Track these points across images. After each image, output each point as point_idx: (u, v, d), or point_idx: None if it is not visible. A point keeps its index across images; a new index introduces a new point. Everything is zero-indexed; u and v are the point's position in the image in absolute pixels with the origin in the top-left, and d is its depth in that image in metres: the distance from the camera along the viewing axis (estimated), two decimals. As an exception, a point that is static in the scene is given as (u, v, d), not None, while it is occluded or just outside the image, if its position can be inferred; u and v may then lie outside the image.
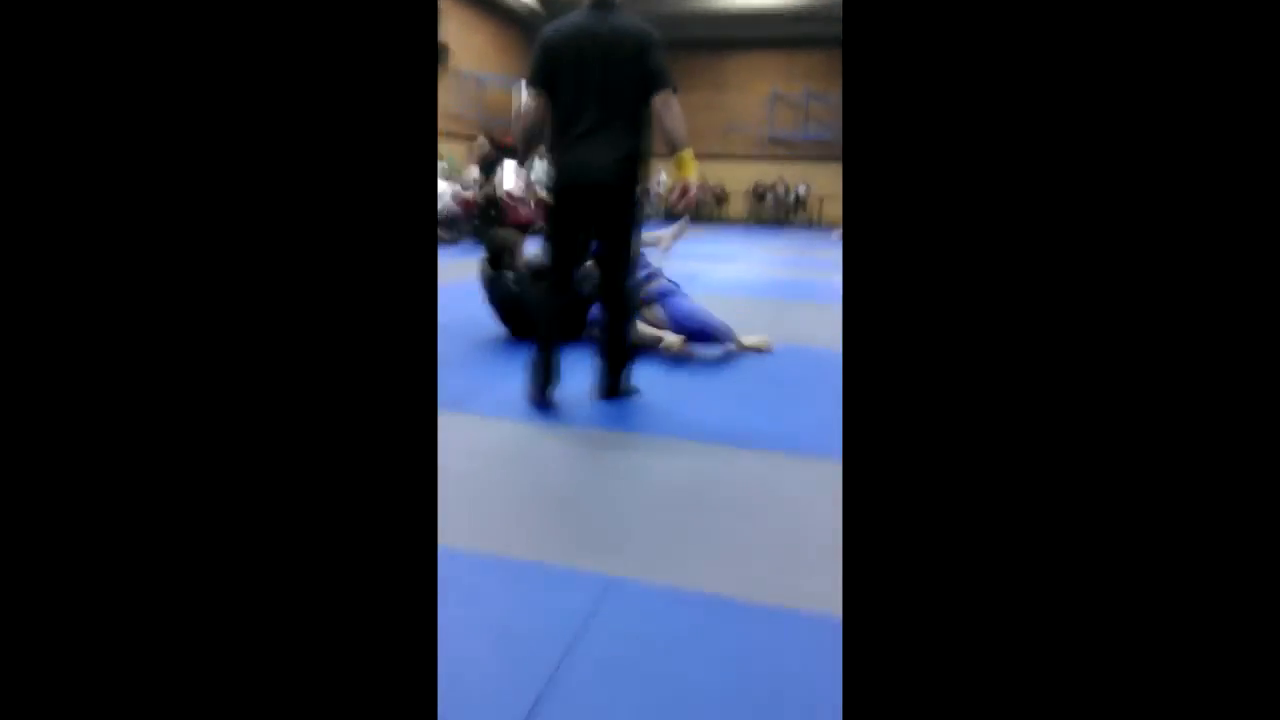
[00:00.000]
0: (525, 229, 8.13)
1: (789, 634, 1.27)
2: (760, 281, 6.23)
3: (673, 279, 3.67)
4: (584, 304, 3.42)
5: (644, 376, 2.96)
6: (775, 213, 17.71)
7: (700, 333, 3.41)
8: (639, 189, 2.39)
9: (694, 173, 2.41)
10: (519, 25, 15.94)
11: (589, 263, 3.59)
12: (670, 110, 2.33)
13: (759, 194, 17.82)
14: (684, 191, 2.40)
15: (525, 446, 2.15)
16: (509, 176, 9.76)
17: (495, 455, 2.06)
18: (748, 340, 3.56)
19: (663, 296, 3.51)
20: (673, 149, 2.36)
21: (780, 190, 17.61)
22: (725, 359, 3.29)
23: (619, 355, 2.55)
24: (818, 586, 1.39)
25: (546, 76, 2.35)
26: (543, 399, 2.48)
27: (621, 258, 2.47)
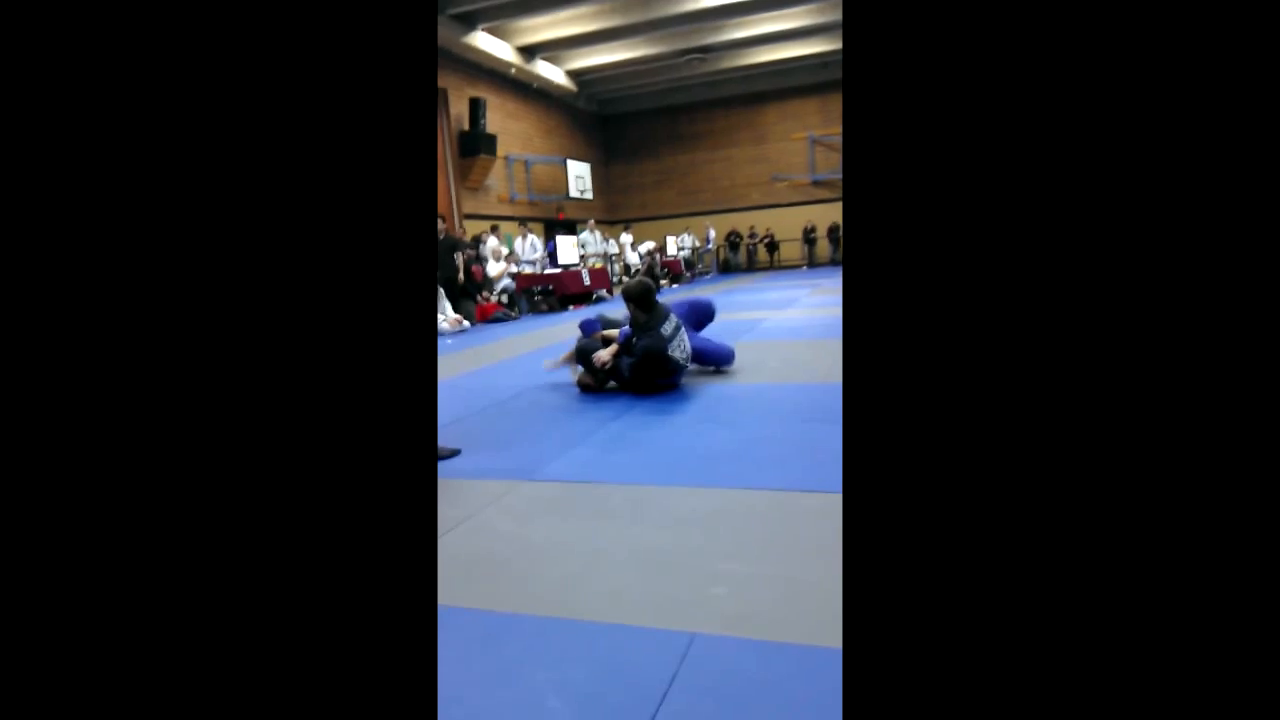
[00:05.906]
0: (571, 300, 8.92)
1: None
2: (816, 324, 6.16)
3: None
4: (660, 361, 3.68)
5: (703, 428, 2.94)
6: (832, 255, 17.62)
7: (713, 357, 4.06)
8: None
9: None
10: (558, 108, 16.66)
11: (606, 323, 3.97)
12: None
13: (809, 237, 17.80)
14: None
15: (593, 505, 2.15)
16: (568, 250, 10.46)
17: (566, 516, 2.07)
18: None
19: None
20: None
21: (835, 231, 17.55)
22: (787, 400, 3.26)
23: None
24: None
25: None
26: None
27: None
